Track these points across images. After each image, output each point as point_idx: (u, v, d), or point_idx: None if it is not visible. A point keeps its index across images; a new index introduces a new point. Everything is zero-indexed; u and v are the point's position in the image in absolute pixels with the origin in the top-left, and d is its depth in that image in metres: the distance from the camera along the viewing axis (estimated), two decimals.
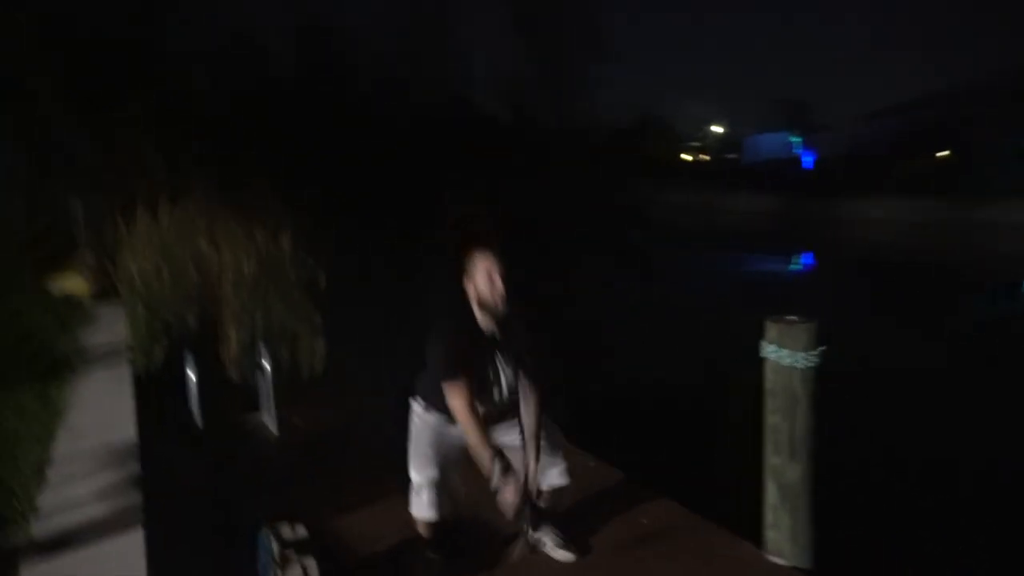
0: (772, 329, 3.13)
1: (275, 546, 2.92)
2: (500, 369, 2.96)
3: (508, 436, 3.04)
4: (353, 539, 3.50)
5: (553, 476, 3.16)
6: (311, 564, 2.82)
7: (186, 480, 4.24)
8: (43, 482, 3.60)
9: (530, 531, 3.04)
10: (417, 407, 3.10)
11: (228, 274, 5.74)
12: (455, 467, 3.08)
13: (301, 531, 3.07)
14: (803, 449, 3.13)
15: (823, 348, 3.09)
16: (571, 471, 3.22)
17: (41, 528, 3.17)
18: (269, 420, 4.96)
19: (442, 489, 3.02)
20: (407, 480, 3.07)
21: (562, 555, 3.28)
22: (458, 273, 2.86)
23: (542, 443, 3.02)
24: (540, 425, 3.00)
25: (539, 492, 3.10)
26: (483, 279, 2.78)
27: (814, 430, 3.13)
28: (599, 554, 3.35)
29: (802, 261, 24.46)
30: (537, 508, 3.00)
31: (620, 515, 3.67)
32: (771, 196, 36.14)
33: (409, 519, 3.12)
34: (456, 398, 2.80)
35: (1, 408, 4.48)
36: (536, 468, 3.00)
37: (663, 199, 33.31)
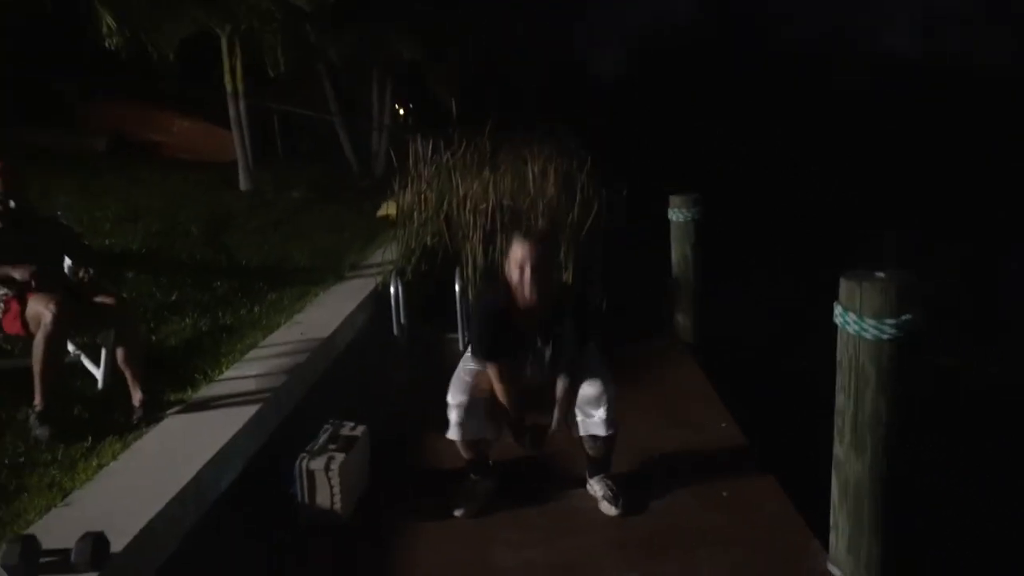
0: (843, 287, 2.51)
1: (323, 436, 3.26)
2: (537, 351, 3.03)
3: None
4: (433, 455, 3.69)
5: (592, 425, 3.06)
6: (338, 458, 3.08)
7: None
8: (236, 360, 4.43)
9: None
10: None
11: (465, 213, 6.18)
12: (487, 397, 3.08)
13: (358, 431, 3.36)
14: (870, 439, 2.48)
15: (907, 317, 2.39)
16: (613, 423, 3.05)
17: (205, 392, 3.96)
18: (460, 338, 5.33)
19: (469, 414, 3.05)
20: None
21: (606, 508, 3.13)
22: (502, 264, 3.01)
23: (585, 389, 3.04)
24: (570, 402, 3.06)
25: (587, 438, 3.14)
26: (515, 269, 2.82)
27: (888, 419, 2.46)
28: (648, 516, 3.09)
29: None
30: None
31: (702, 482, 3.30)
32: None
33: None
34: (490, 370, 3.02)
35: (250, 303, 5.53)
36: (560, 418, 3.09)
37: None
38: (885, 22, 36.94)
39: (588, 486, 3.25)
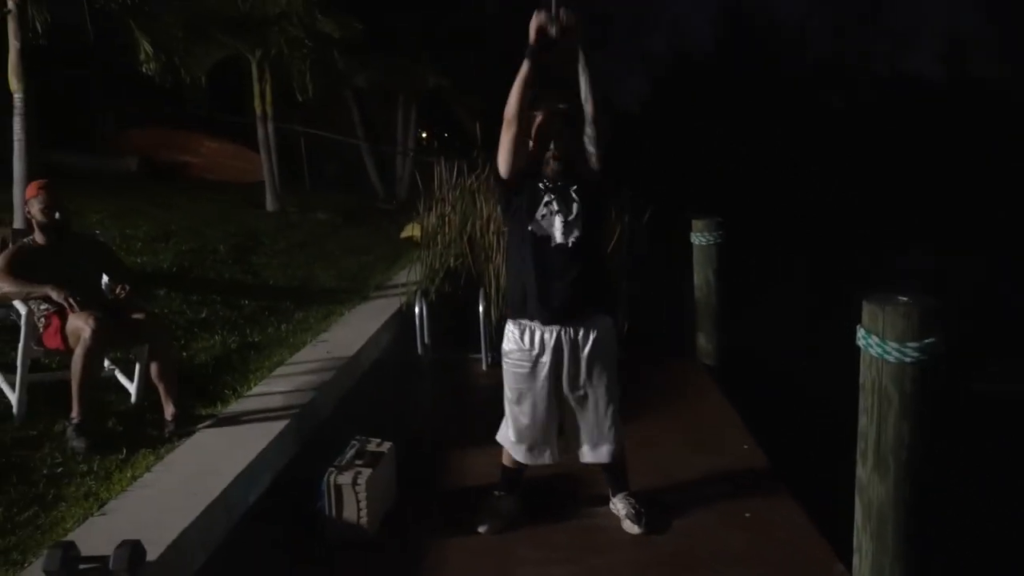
0: (866, 310, 2.54)
1: (350, 452, 3.31)
2: (561, 209, 2.89)
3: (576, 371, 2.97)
4: (457, 472, 3.74)
5: (600, 453, 3.08)
6: (365, 473, 3.14)
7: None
8: (264, 377, 4.51)
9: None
10: (512, 333, 3.05)
11: (488, 235, 6.26)
12: (547, 416, 3.04)
13: (384, 447, 3.42)
14: (893, 462, 2.50)
15: (930, 340, 2.42)
16: (617, 453, 3.09)
17: (234, 407, 4.04)
18: (482, 358, 5.40)
19: (532, 437, 3.06)
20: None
21: (628, 526, 3.15)
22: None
23: (592, 414, 3.01)
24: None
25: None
26: (535, 138, 2.87)
27: (911, 442, 2.48)
28: (670, 536, 3.11)
29: None
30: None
31: (724, 503, 3.32)
32: None
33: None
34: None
35: (277, 321, 5.63)
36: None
37: None
38: (902, 44, 37.00)
39: (611, 504, 3.28)
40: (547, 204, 2.89)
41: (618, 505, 3.23)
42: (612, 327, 3.08)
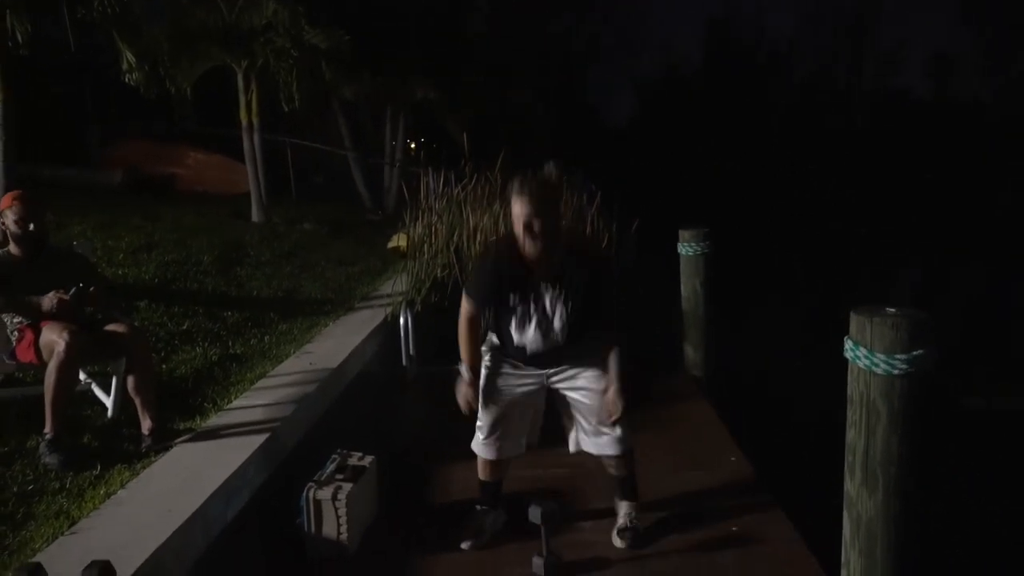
0: (854, 321, 2.50)
1: (331, 467, 3.25)
2: (552, 308, 2.89)
3: (567, 384, 3.02)
4: (442, 486, 3.67)
5: (604, 444, 3.02)
6: (345, 488, 3.07)
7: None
8: (245, 390, 4.43)
9: None
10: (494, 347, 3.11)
11: (476, 245, 6.23)
12: (519, 416, 3.07)
13: (366, 461, 3.35)
14: (882, 477, 2.46)
15: (919, 352, 2.38)
16: (624, 441, 3.01)
17: (214, 420, 3.96)
18: None
19: (500, 431, 3.05)
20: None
21: (615, 539, 3.09)
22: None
23: (599, 409, 2.96)
24: (609, 360, 2.94)
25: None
26: (520, 227, 2.74)
27: (900, 456, 2.43)
28: (657, 552, 3.05)
29: None
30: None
31: (712, 517, 3.27)
32: None
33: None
34: (464, 311, 2.96)
35: (260, 333, 5.55)
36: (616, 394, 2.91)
37: None
38: (884, 61, 37.51)
39: (616, 504, 3.21)
40: (529, 303, 2.88)
41: (620, 512, 3.17)
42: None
